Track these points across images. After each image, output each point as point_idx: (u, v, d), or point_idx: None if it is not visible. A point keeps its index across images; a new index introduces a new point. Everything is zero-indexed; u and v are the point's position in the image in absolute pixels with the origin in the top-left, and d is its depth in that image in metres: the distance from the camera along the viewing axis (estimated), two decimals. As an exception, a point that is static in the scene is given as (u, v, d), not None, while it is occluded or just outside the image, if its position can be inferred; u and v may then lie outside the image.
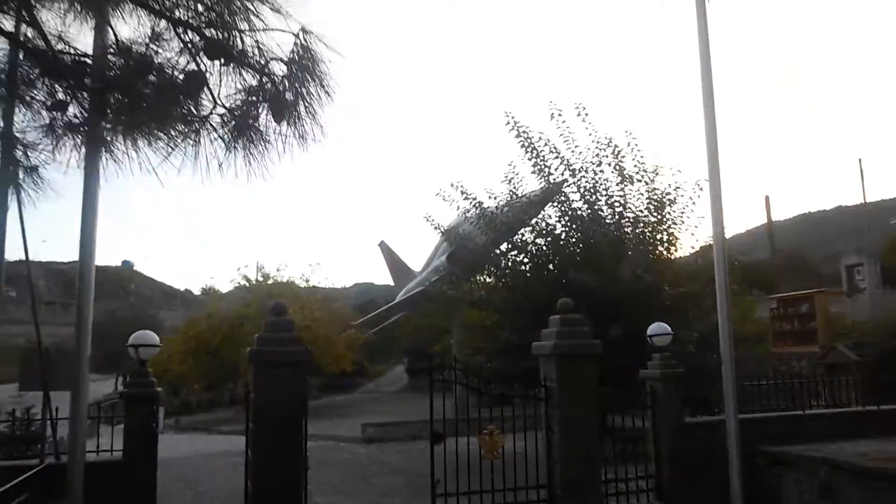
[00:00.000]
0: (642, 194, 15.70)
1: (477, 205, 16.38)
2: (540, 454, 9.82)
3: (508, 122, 15.97)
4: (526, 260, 16.11)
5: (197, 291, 75.87)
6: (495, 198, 16.54)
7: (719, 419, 10.33)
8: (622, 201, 15.64)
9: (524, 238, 16.34)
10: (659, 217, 15.49)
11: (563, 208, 15.82)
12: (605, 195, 15.67)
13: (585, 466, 9.57)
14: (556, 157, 15.82)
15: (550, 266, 15.78)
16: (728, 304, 9.68)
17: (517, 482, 9.68)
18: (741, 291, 19.18)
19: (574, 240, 15.59)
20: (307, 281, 33.63)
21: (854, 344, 17.20)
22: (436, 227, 17.34)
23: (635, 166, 15.65)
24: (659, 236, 15.59)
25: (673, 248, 15.62)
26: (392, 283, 32.61)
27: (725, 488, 9.48)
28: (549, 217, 16.16)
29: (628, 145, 15.72)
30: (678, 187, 15.36)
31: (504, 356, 15.52)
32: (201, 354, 31.10)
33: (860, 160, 36.95)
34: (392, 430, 20.55)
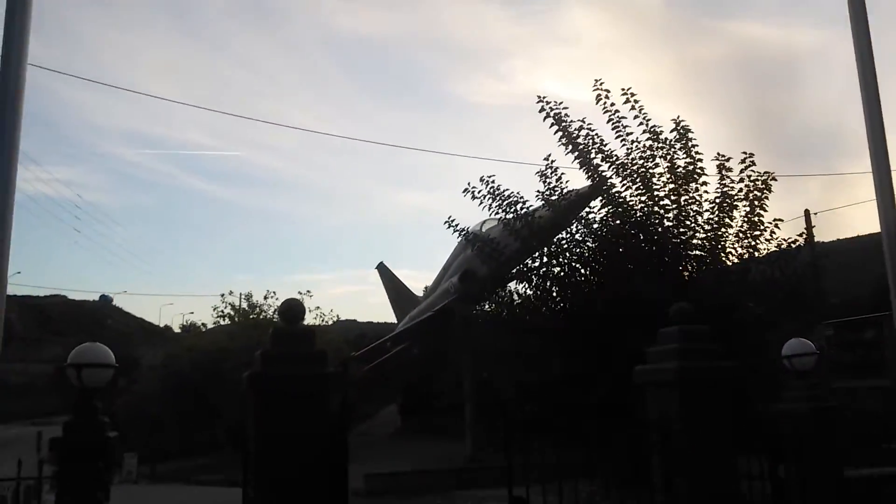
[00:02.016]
0: (706, 192, 12.77)
1: (511, 203, 13.39)
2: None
3: (543, 109, 13.12)
4: (578, 267, 13.07)
5: (178, 328, 71.94)
6: (525, 200, 13.58)
7: (890, 473, 7.34)
8: (684, 199, 12.70)
9: (568, 243, 13.37)
10: (725, 218, 12.57)
11: (614, 208, 12.88)
12: (664, 192, 12.72)
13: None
14: (601, 149, 12.93)
15: (602, 276, 12.77)
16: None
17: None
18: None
19: (633, 243, 12.61)
20: None
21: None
22: (458, 231, 14.27)
23: (691, 161, 12.70)
24: (729, 241, 12.66)
25: (748, 254, 12.65)
26: (375, 321, 29.45)
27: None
28: (596, 217, 13.21)
29: (684, 138, 12.81)
30: (755, 180, 12.43)
31: (553, 390, 12.40)
32: (181, 393, 27.62)
33: None
34: (403, 481, 17.30)
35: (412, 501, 15.87)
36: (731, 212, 12.53)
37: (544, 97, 13.19)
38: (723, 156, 12.56)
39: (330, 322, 33.48)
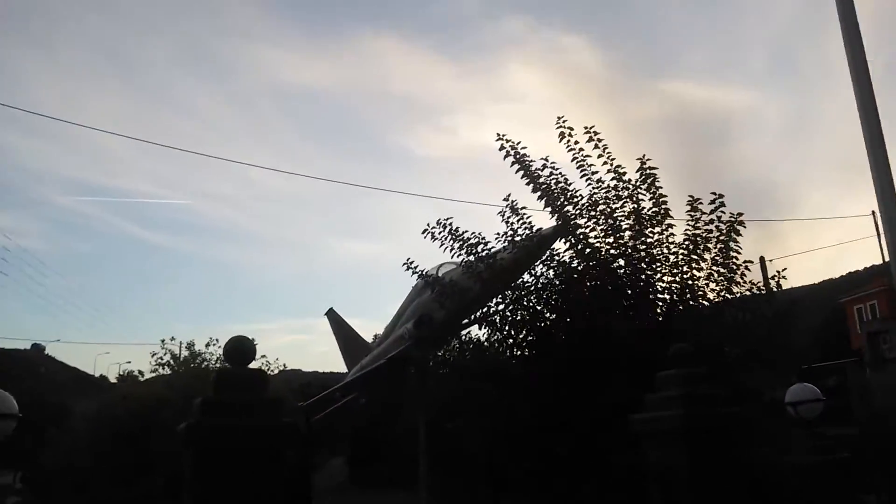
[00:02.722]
0: (672, 234, 12.06)
1: (472, 245, 12.52)
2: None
3: (503, 147, 12.37)
4: (543, 310, 12.19)
5: (114, 379, 68.54)
6: (487, 241, 12.72)
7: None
8: (650, 241, 11.99)
9: (532, 285, 12.54)
10: (695, 260, 11.87)
11: (579, 248, 12.09)
12: (629, 233, 11.99)
13: None
14: (565, 189, 12.19)
15: (569, 318, 11.92)
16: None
17: None
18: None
19: (599, 285, 11.80)
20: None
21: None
22: (417, 273, 13.31)
23: (656, 202, 12.00)
24: (701, 282, 11.94)
25: (721, 297, 11.94)
26: (321, 370, 27.94)
27: None
28: (562, 259, 12.40)
29: (649, 178, 12.12)
30: (726, 222, 11.77)
31: (524, 441, 11.38)
32: (115, 444, 25.47)
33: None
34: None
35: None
36: (703, 253, 11.85)
37: (504, 135, 12.44)
38: (694, 197, 11.92)
39: (275, 371, 31.87)
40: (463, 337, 13.53)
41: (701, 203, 11.73)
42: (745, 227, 11.68)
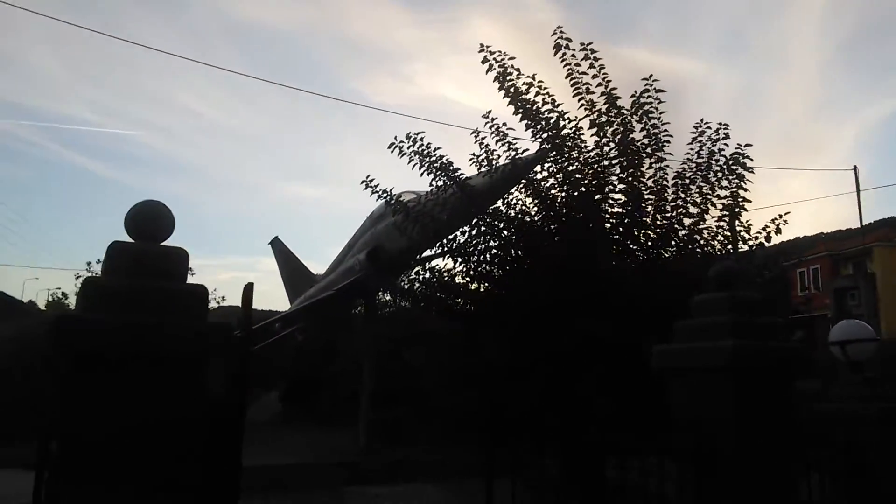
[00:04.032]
0: (666, 168, 10.60)
1: (443, 166, 10.87)
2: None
3: (486, 60, 10.59)
4: (513, 240, 10.68)
5: (43, 305, 64.83)
6: (458, 168, 11.08)
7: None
8: (642, 173, 10.53)
9: (507, 213, 11.03)
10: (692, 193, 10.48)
11: (560, 176, 10.56)
12: (621, 162, 10.49)
13: None
14: (552, 111, 10.54)
15: (548, 253, 10.46)
16: None
17: None
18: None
19: (583, 217, 10.33)
20: None
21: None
22: (379, 193, 11.56)
23: (649, 134, 10.49)
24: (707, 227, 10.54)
25: (725, 245, 10.58)
26: (262, 308, 26.05)
27: None
28: (544, 186, 10.84)
29: (644, 107, 10.57)
30: (735, 154, 10.32)
31: (485, 385, 9.98)
32: (34, 371, 23.24)
33: None
34: (284, 475, 14.45)
35: (295, 499, 13.18)
36: (705, 190, 10.40)
37: (488, 46, 10.64)
38: (702, 121, 10.43)
39: (214, 305, 29.69)
40: (425, 268, 11.87)
41: (709, 127, 10.30)
42: (752, 161, 10.33)
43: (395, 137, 10.95)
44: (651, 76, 10.03)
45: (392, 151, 10.97)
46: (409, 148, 10.80)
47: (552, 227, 10.53)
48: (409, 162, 10.84)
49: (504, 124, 10.74)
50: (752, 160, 10.12)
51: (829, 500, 5.06)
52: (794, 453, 4.64)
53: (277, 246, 26.29)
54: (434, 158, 10.78)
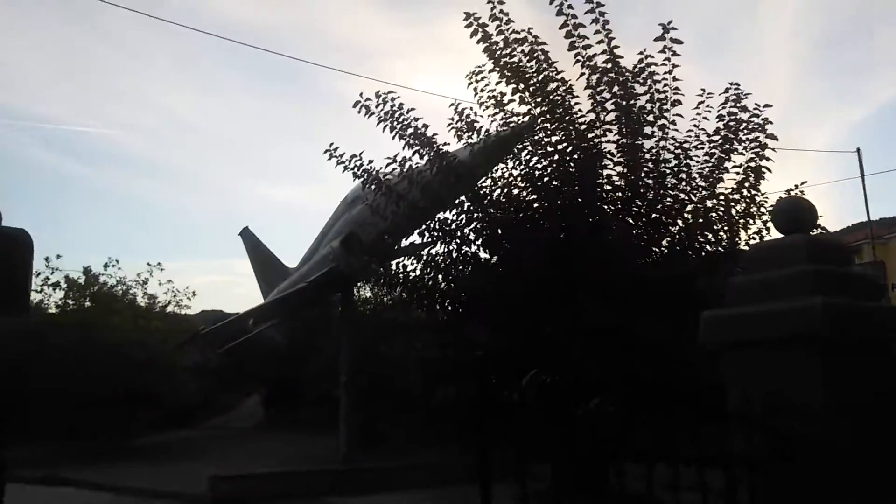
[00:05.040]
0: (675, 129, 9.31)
1: (419, 136, 9.55)
2: None
3: (471, 24, 9.27)
4: (511, 216, 9.39)
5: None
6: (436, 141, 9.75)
7: None
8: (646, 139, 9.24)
9: (496, 186, 9.77)
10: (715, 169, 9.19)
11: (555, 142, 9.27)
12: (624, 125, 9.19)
13: None
14: (549, 65, 9.22)
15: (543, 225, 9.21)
16: None
17: None
18: None
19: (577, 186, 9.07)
20: (144, 283, 23.93)
21: None
22: (348, 165, 10.10)
23: (652, 99, 9.20)
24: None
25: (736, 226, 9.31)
26: (243, 311, 24.51)
27: None
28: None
29: (647, 69, 9.27)
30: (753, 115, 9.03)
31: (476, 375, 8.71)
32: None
33: None
34: (261, 484, 13.15)
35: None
36: (728, 157, 9.11)
37: (473, 13, 9.30)
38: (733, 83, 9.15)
39: (192, 312, 27.95)
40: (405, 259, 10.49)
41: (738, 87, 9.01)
42: (772, 124, 9.08)
43: (361, 95, 9.62)
44: (670, 22, 8.76)
45: (359, 111, 9.62)
46: (378, 107, 9.49)
47: (543, 203, 9.33)
48: (378, 124, 9.53)
49: (494, 91, 9.51)
50: (771, 123, 8.92)
51: None
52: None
53: (248, 236, 24.82)
54: (407, 122, 9.49)
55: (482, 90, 9.40)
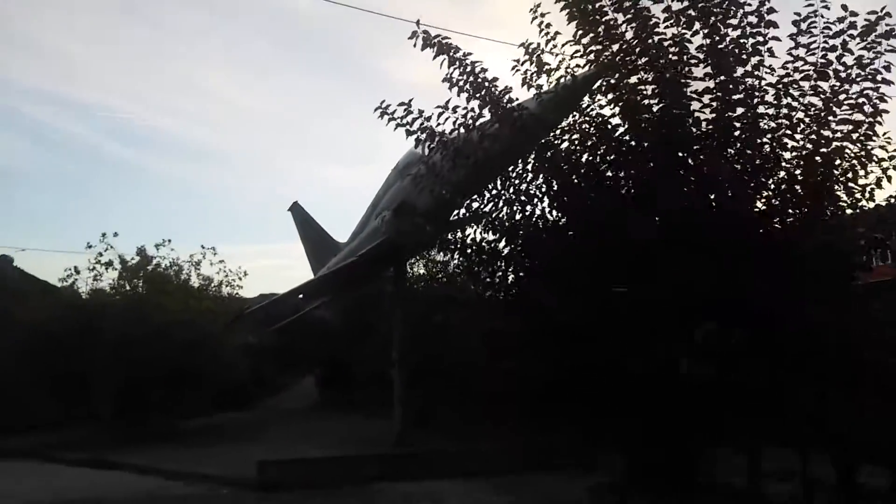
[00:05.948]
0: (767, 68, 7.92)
1: (490, 91, 8.34)
2: None
3: None
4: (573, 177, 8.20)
5: (86, 293, 63.25)
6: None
7: None
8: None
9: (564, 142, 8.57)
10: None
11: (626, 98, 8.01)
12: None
13: None
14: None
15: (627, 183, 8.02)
16: None
17: None
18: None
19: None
20: (198, 265, 23.48)
21: None
22: (398, 121, 8.79)
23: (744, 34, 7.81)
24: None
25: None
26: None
27: None
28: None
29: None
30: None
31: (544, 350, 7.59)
32: (49, 357, 21.21)
33: None
34: (308, 470, 12.37)
35: (316, 498, 11.13)
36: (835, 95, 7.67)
37: None
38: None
39: (241, 289, 27.44)
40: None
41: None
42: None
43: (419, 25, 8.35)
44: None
45: (434, 58, 8.35)
46: (453, 73, 8.25)
47: (612, 157, 8.13)
48: (450, 87, 8.30)
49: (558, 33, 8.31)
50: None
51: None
52: None
53: (297, 212, 24.04)
54: (479, 80, 8.27)
55: (548, 25, 8.23)
